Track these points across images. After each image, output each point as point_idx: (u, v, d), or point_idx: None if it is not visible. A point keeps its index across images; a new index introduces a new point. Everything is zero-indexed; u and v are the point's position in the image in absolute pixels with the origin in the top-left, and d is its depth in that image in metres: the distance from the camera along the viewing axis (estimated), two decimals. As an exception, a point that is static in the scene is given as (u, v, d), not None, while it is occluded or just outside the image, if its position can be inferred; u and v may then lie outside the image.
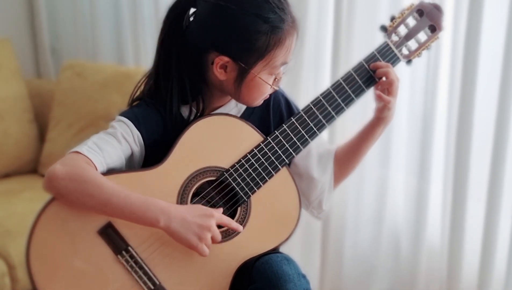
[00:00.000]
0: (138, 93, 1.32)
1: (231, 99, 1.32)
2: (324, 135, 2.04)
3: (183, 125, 1.26)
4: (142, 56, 2.53)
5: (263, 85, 1.23)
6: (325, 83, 2.07)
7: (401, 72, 1.92)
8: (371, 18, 1.95)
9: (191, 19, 1.24)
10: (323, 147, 1.39)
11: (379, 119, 1.33)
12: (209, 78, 1.25)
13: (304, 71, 2.10)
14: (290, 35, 1.21)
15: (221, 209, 1.22)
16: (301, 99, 2.07)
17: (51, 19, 2.77)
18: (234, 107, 1.33)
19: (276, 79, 1.25)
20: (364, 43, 1.95)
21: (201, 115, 1.27)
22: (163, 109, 1.26)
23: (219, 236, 1.18)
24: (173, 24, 1.24)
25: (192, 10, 1.24)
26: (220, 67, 1.21)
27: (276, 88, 1.27)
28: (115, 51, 2.63)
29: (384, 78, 1.31)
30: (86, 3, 2.62)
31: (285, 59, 1.23)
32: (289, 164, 1.30)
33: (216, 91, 1.28)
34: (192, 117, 1.27)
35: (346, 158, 1.39)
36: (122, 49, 2.60)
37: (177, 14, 1.24)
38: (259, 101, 1.28)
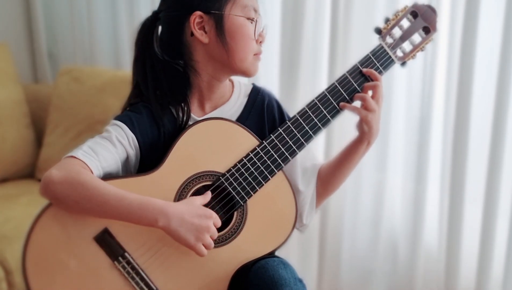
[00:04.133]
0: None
1: (230, 96, 1.34)
2: (321, 141, 2.06)
3: (177, 126, 1.27)
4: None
5: (244, 27, 1.25)
6: (322, 85, 2.07)
7: (397, 75, 1.94)
8: (368, 20, 1.95)
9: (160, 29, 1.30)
10: (310, 161, 1.38)
11: (361, 135, 1.31)
12: (198, 65, 1.27)
13: (301, 73, 2.10)
14: None
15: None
16: (299, 101, 2.08)
17: (48, 24, 2.77)
18: (233, 106, 1.34)
19: (257, 29, 1.26)
20: (361, 45, 1.95)
21: (188, 115, 1.28)
22: (155, 112, 1.27)
23: (215, 235, 1.19)
24: (144, 42, 1.29)
25: (160, 29, 1.30)
26: (199, 28, 1.24)
27: (261, 39, 1.29)
28: (113, 55, 2.63)
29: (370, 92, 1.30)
30: (83, 8, 2.62)
31: (252, 1, 1.26)
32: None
33: (209, 77, 1.29)
34: (184, 117, 1.28)
35: (330, 175, 1.38)
36: (120, 54, 2.60)
37: (146, 33, 1.29)
38: (250, 58, 1.27)
